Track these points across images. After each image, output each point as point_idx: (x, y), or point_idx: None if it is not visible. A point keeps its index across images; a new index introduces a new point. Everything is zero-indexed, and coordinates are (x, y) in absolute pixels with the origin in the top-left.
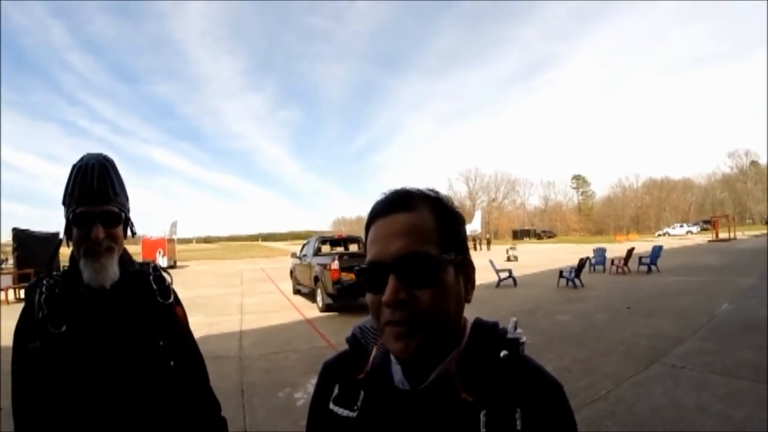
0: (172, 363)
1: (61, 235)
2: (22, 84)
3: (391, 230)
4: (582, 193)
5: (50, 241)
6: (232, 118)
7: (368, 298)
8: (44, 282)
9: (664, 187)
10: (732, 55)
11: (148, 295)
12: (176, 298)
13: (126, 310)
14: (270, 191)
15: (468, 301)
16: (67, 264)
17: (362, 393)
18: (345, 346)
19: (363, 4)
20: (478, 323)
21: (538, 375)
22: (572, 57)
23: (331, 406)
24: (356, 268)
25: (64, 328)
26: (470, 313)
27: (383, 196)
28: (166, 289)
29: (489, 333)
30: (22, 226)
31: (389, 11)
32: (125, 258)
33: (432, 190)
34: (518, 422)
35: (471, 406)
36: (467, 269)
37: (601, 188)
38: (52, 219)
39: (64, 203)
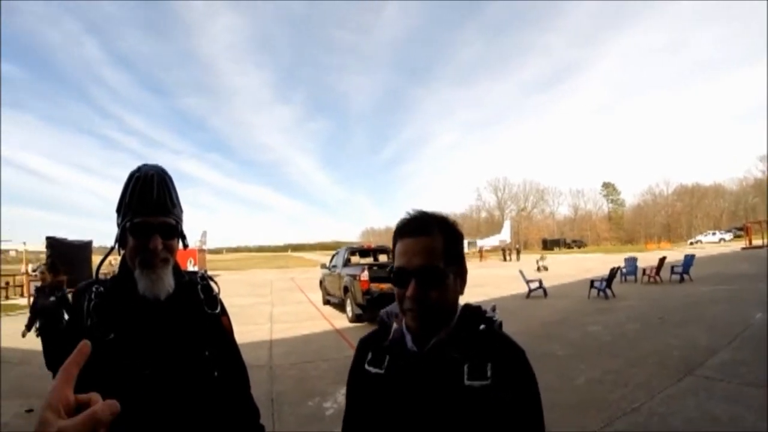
0: (216, 373)
1: (113, 244)
2: (58, 99)
3: (414, 249)
4: (612, 201)
5: (83, 248)
6: (261, 129)
7: (396, 291)
8: (93, 288)
9: (695, 193)
10: (757, 54)
11: (196, 305)
12: (223, 308)
13: (174, 320)
14: (299, 202)
15: (461, 293)
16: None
17: (387, 356)
18: None
19: (387, 16)
20: (467, 306)
21: (506, 341)
22: (597, 62)
23: (366, 366)
24: (388, 270)
25: (112, 336)
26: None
27: (408, 216)
28: (214, 299)
29: (473, 313)
30: (55, 234)
31: (413, 22)
32: (176, 269)
33: (442, 216)
34: (489, 372)
35: (458, 362)
36: (462, 272)
37: (631, 196)
38: (85, 227)
39: (118, 212)
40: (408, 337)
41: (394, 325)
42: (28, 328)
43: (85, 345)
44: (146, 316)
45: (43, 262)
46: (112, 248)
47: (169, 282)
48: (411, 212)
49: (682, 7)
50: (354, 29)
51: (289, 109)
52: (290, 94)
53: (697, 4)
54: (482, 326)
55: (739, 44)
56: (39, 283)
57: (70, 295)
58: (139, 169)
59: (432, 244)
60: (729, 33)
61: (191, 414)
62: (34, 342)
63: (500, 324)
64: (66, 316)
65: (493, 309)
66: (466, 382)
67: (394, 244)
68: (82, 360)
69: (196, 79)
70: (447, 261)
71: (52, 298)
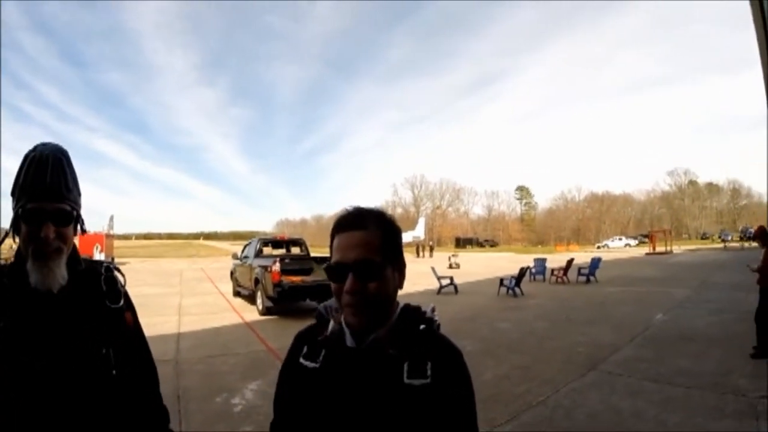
0: (114, 372)
1: (7, 228)
2: None
3: (350, 243)
4: (525, 204)
5: None
6: (183, 112)
7: (333, 287)
8: None
9: (605, 200)
10: (675, 77)
11: (96, 298)
12: (127, 301)
13: (69, 314)
14: (215, 189)
15: (400, 287)
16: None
17: (323, 351)
18: (283, 350)
19: (321, 7)
20: (406, 306)
21: (445, 342)
22: (521, 73)
23: (301, 360)
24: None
25: (1, 324)
26: None
27: (346, 212)
28: (117, 293)
29: (413, 312)
30: None
31: (346, 18)
32: (73, 256)
33: (380, 210)
34: (428, 371)
35: (397, 359)
36: (400, 267)
37: (544, 200)
38: None
39: (13, 195)
40: (347, 333)
41: (332, 323)
42: None
43: None
44: (38, 307)
45: None
46: (7, 234)
47: (61, 274)
48: (349, 208)
49: (606, 27)
50: (285, 16)
51: (212, 93)
52: (215, 77)
53: (622, 26)
54: (422, 326)
55: (658, 64)
56: None
57: None
58: (35, 148)
59: (369, 237)
60: (651, 53)
61: (86, 414)
62: None
63: (439, 325)
64: None
65: (433, 310)
66: (406, 381)
67: (332, 240)
68: None
69: (119, 53)
70: (385, 255)
71: None
